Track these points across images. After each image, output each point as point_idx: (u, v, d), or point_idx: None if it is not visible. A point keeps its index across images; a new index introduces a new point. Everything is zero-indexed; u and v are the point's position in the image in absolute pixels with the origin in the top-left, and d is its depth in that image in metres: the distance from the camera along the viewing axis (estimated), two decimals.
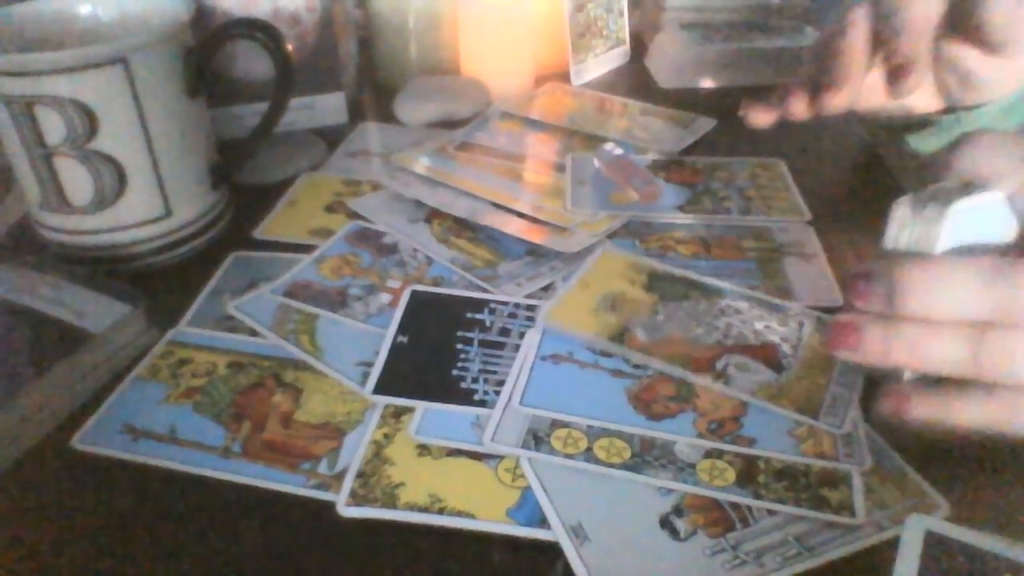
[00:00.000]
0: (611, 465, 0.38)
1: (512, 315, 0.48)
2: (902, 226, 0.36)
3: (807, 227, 0.57)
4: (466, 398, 0.42)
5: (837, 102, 0.49)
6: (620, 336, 0.45)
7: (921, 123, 0.55)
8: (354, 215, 0.58)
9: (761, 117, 0.54)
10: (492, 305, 0.49)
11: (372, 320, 0.48)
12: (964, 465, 0.39)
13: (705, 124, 0.71)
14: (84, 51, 0.46)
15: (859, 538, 0.35)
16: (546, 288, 0.50)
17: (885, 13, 0.48)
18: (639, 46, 0.88)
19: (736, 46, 0.79)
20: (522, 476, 0.38)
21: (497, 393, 0.42)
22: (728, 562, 0.34)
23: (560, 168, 0.64)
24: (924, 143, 0.55)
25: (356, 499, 0.37)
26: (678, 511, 0.37)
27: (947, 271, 0.34)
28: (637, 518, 0.36)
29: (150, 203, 0.52)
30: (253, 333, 0.47)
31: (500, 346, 0.46)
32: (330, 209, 0.60)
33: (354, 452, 0.40)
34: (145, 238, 0.52)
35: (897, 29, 0.47)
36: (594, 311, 0.47)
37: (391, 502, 0.37)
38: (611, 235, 0.55)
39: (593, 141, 0.68)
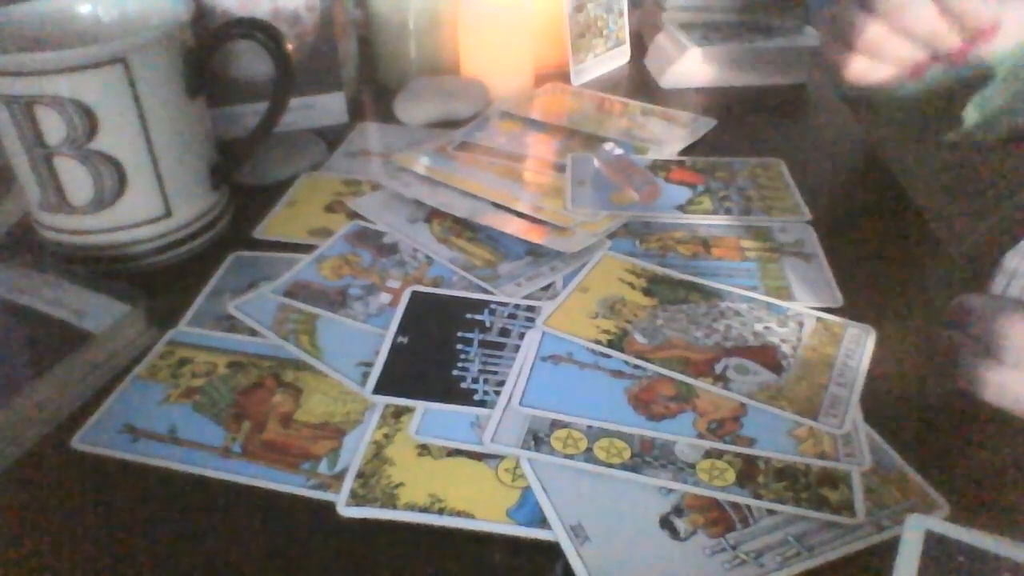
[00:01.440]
0: (611, 465, 0.38)
1: (512, 316, 0.48)
2: (1015, 276, 0.35)
3: (807, 227, 0.57)
4: (466, 398, 0.42)
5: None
6: (620, 340, 0.45)
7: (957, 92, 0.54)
8: (354, 215, 0.58)
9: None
10: (492, 306, 0.49)
11: (372, 320, 0.48)
12: (964, 465, 0.39)
13: (705, 124, 0.71)
14: (84, 51, 0.46)
15: (859, 538, 0.35)
16: (546, 288, 0.50)
17: None
18: (639, 46, 0.88)
19: (736, 46, 0.79)
20: (522, 476, 0.38)
21: (497, 393, 0.42)
22: (728, 562, 0.34)
23: (560, 168, 0.64)
24: (973, 111, 0.55)
25: (356, 499, 0.37)
26: (678, 511, 0.37)
27: None
28: (637, 518, 0.36)
29: (150, 203, 0.52)
30: (253, 333, 0.47)
31: (500, 346, 0.46)
32: (330, 209, 0.60)
33: (354, 452, 0.40)
34: (145, 238, 0.52)
35: None
36: (593, 316, 0.47)
37: (391, 502, 0.37)
38: (611, 235, 0.55)
39: (593, 141, 0.68)
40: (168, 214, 0.53)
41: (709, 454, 0.39)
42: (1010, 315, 0.35)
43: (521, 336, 0.46)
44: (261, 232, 0.57)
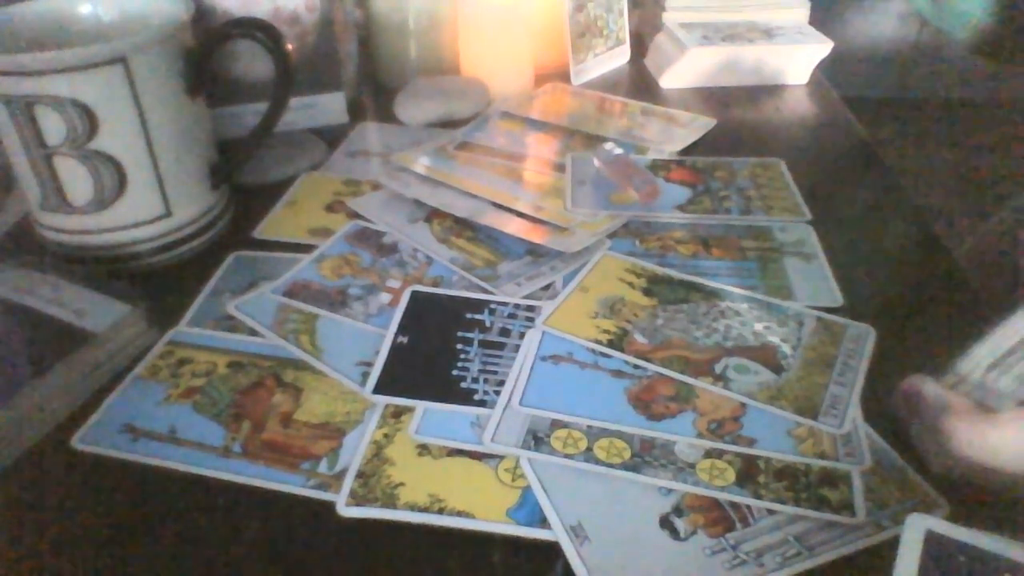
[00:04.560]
0: (611, 465, 0.38)
1: (512, 315, 0.48)
2: (964, 381, 0.38)
3: (807, 227, 0.57)
4: (466, 398, 0.42)
5: None
6: (620, 340, 0.45)
7: None
8: (354, 215, 0.58)
9: None
10: (492, 305, 0.49)
11: (372, 320, 0.48)
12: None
13: (705, 124, 0.71)
14: (84, 51, 0.46)
15: (859, 538, 0.35)
16: (546, 288, 0.50)
17: None
18: (639, 46, 0.88)
19: (736, 46, 0.79)
20: (522, 476, 0.38)
21: (497, 393, 0.42)
22: (728, 562, 0.34)
23: (560, 168, 0.64)
24: None
25: (356, 499, 0.37)
26: (678, 511, 0.37)
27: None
28: (637, 518, 0.36)
29: (150, 203, 0.52)
30: (253, 333, 0.47)
31: (500, 346, 0.46)
32: (330, 209, 0.60)
33: (354, 452, 0.40)
34: (145, 238, 0.52)
35: None
36: (593, 316, 0.47)
37: (391, 502, 0.37)
38: (611, 235, 0.55)
39: (593, 141, 0.68)
40: (168, 214, 0.53)
41: (709, 454, 0.39)
42: (957, 416, 0.37)
43: (521, 336, 0.46)
44: (261, 232, 0.57)
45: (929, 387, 0.38)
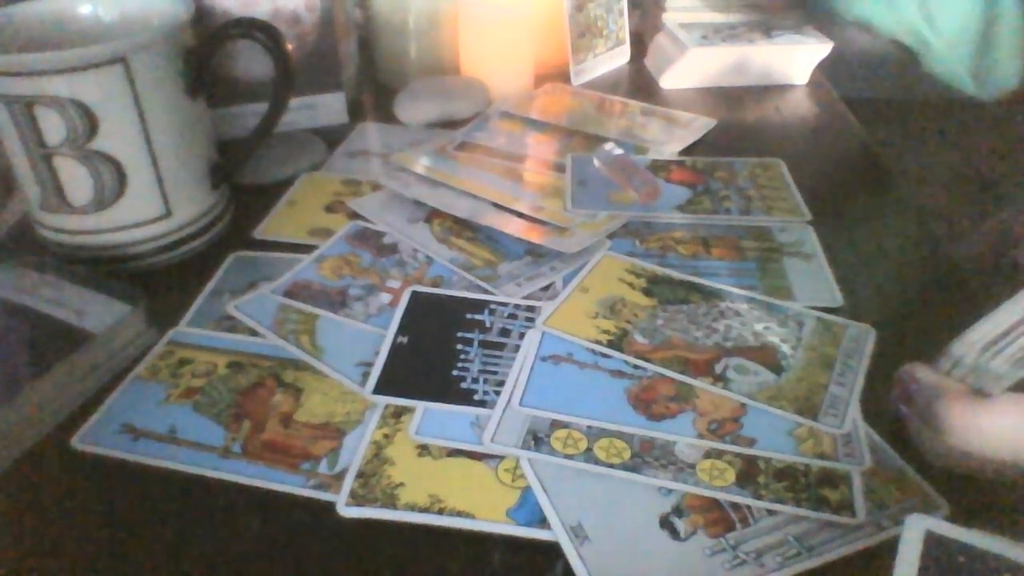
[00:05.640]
0: (611, 465, 0.38)
1: (512, 316, 0.48)
2: (958, 364, 0.37)
3: (807, 227, 0.57)
4: (466, 398, 0.42)
5: None
6: (620, 340, 0.45)
7: None
8: (354, 215, 0.58)
9: None
10: (492, 306, 0.49)
11: (372, 320, 0.48)
12: None
13: (705, 124, 0.71)
14: (84, 51, 0.46)
15: (859, 538, 0.35)
16: (546, 288, 0.50)
17: None
18: (639, 46, 0.88)
19: (736, 46, 0.79)
20: (522, 476, 0.38)
21: (497, 393, 0.42)
22: (728, 562, 0.34)
23: (560, 168, 0.64)
24: None
25: (356, 499, 0.37)
26: (678, 511, 0.37)
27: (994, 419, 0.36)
28: (637, 518, 0.36)
29: (150, 203, 0.52)
30: (253, 333, 0.47)
31: (500, 347, 0.46)
32: (330, 209, 0.60)
33: (354, 452, 0.40)
34: (145, 238, 0.52)
35: None
36: (593, 316, 0.47)
37: (391, 502, 0.37)
38: (611, 235, 0.55)
39: (593, 141, 0.68)
40: (168, 214, 0.53)
41: (709, 454, 0.39)
42: (950, 400, 0.37)
43: (521, 336, 0.46)
44: (261, 232, 0.57)
45: (924, 373, 0.39)
